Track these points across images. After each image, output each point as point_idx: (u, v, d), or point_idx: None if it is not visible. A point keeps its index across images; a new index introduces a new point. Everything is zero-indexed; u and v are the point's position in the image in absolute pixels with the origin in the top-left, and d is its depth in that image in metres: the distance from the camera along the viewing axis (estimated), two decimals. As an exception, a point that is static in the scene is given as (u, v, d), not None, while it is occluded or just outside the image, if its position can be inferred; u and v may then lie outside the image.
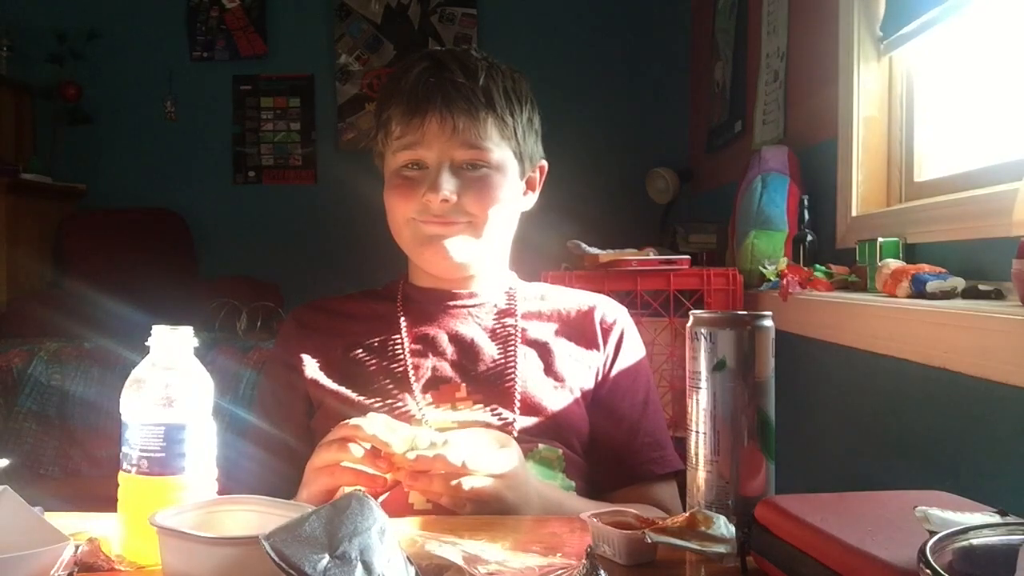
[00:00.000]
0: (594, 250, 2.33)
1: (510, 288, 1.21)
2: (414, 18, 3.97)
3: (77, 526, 0.78)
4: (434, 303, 1.17)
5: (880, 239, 1.58)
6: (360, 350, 1.14)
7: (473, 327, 1.15)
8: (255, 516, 0.70)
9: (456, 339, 1.14)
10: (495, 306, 1.18)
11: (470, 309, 1.17)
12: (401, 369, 1.11)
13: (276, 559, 0.56)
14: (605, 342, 1.17)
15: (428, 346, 1.13)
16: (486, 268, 1.18)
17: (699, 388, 0.81)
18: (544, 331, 1.16)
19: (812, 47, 2.19)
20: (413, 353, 1.12)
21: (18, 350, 2.88)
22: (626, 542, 0.76)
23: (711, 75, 3.30)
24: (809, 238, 2.02)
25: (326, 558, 0.57)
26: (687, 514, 0.76)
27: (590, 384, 1.15)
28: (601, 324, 1.18)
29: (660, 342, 2.09)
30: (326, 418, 1.07)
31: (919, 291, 1.31)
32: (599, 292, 1.25)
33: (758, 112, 2.61)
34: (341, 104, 3.98)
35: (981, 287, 1.24)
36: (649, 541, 0.73)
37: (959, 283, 1.28)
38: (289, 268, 3.63)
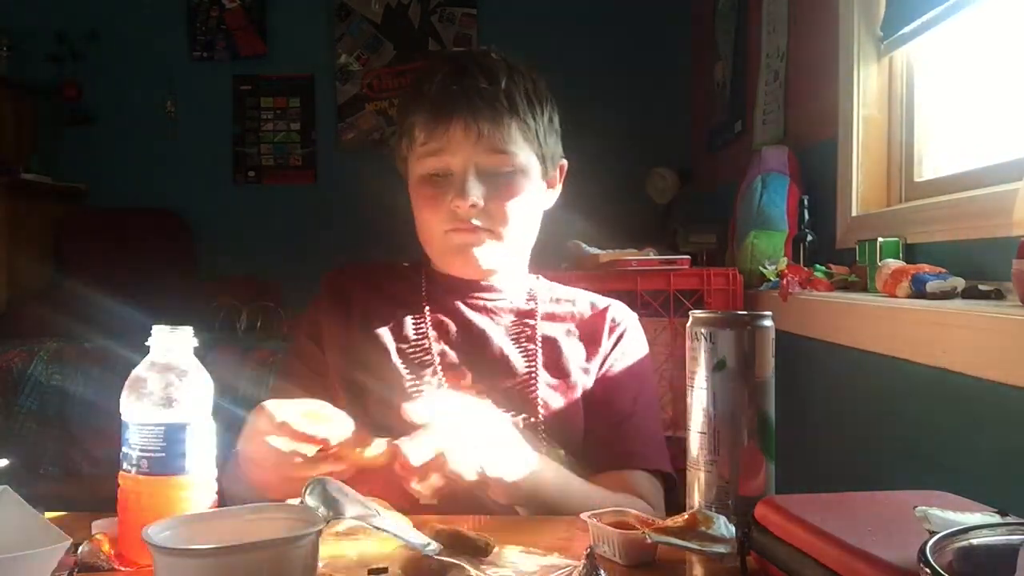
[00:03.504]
0: (594, 250, 2.33)
1: (531, 289, 1.23)
2: (414, 18, 3.97)
3: (77, 526, 0.78)
4: (456, 294, 1.19)
5: (880, 239, 1.58)
6: (383, 326, 1.16)
7: (489, 322, 1.17)
8: (244, 524, 0.70)
9: (469, 330, 1.16)
10: (514, 304, 1.20)
11: (488, 303, 1.19)
12: (418, 351, 1.14)
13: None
14: (608, 340, 1.20)
15: (442, 332, 1.16)
16: (509, 267, 1.20)
17: (699, 388, 0.81)
18: (558, 331, 1.19)
19: (812, 47, 2.18)
20: (430, 337, 1.15)
21: (18, 350, 2.89)
22: (626, 542, 0.76)
23: (711, 75, 3.30)
24: (809, 238, 2.02)
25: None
26: (687, 514, 0.76)
27: (590, 383, 1.17)
28: (609, 324, 1.21)
29: (660, 342, 2.09)
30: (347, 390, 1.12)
31: (919, 291, 1.31)
32: (599, 292, 1.27)
33: (758, 112, 2.60)
34: (341, 104, 3.98)
35: (981, 287, 1.24)
36: (649, 541, 0.73)
37: (959, 283, 1.28)
38: (289, 268, 3.63)
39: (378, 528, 0.75)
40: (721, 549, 0.72)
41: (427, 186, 1.12)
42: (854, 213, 1.87)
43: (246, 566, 0.61)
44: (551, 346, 1.17)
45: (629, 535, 0.75)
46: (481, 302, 1.19)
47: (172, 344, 0.78)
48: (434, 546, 0.75)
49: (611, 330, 1.20)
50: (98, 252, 3.61)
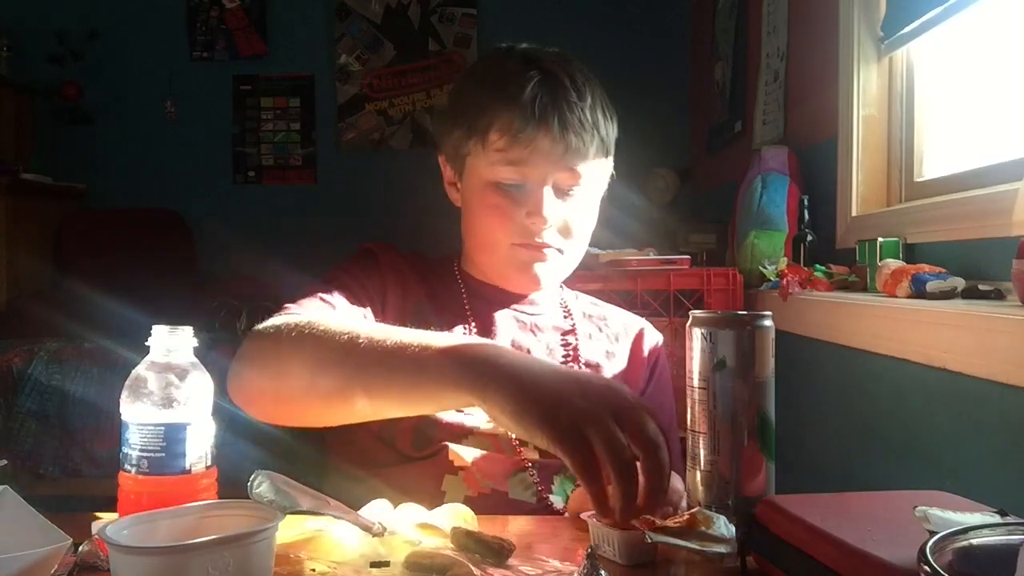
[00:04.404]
0: (594, 250, 2.33)
1: (563, 300, 1.20)
2: (414, 18, 3.97)
3: (77, 526, 0.78)
4: (498, 304, 1.14)
5: (880, 239, 1.58)
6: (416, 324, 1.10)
7: (532, 339, 1.13)
8: (203, 521, 0.70)
9: (514, 347, 1.10)
10: (554, 320, 1.16)
11: (532, 318, 1.15)
12: None
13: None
14: (645, 369, 1.18)
15: None
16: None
17: (699, 388, 0.81)
18: (598, 354, 1.16)
19: (812, 47, 2.18)
20: None
21: (18, 350, 2.88)
22: (626, 542, 0.76)
23: (711, 75, 3.30)
24: (809, 238, 2.02)
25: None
26: (687, 514, 0.76)
27: None
28: (647, 354, 1.19)
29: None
30: None
31: (919, 291, 1.31)
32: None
33: (758, 112, 2.60)
34: (341, 104, 3.98)
35: (981, 287, 1.24)
36: (649, 541, 0.73)
37: (959, 283, 1.28)
38: (289, 268, 3.62)
39: (332, 516, 0.76)
40: (721, 549, 0.72)
41: (496, 194, 1.07)
42: (854, 213, 1.86)
43: (204, 563, 0.61)
44: (592, 367, 1.13)
45: (629, 535, 0.75)
46: (525, 317, 1.14)
47: (172, 344, 0.78)
48: (379, 527, 0.76)
49: (649, 359, 1.18)
50: (98, 252, 3.61)
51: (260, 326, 0.93)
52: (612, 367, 1.15)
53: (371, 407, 0.85)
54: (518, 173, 1.05)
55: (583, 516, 0.80)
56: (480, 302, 1.13)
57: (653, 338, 1.21)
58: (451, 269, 1.17)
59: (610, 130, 1.10)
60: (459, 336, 1.03)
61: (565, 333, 1.16)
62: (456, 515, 0.83)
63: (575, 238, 1.10)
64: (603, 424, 0.67)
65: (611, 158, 1.14)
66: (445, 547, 0.78)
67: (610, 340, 1.18)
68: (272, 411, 0.93)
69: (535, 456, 1.04)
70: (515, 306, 1.14)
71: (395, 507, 0.84)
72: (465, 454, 1.02)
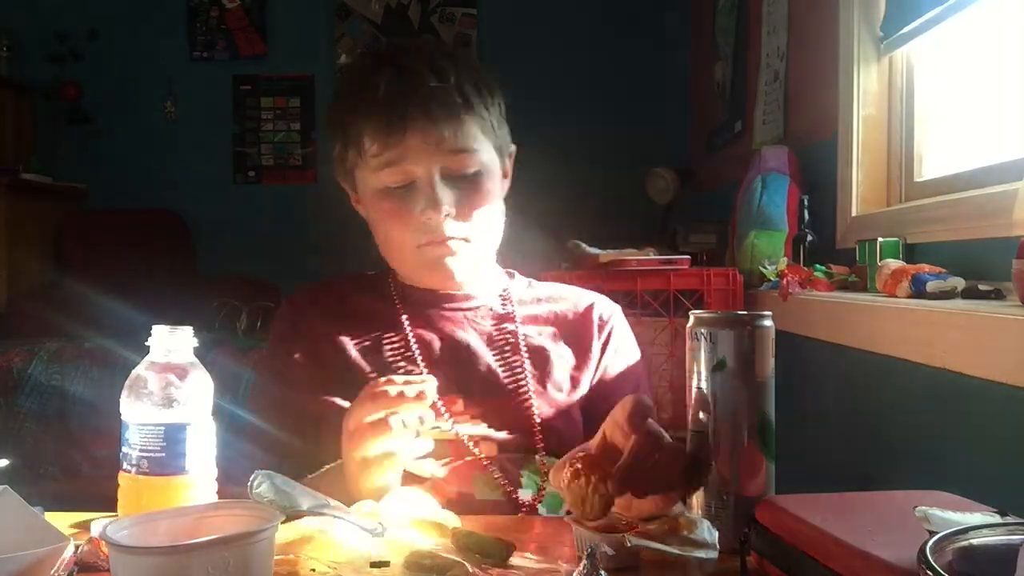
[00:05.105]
0: (594, 250, 2.33)
1: (504, 289, 1.17)
2: (414, 18, 3.97)
3: (77, 526, 0.78)
4: (431, 305, 1.12)
5: (880, 239, 1.58)
6: (359, 353, 1.08)
7: (471, 334, 1.11)
8: (202, 521, 0.70)
9: (453, 347, 1.09)
10: (491, 309, 1.14)
11: (466, 313, 1.12)
12: (403, 373, 1.05)
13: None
14: (598, 341, 1.14)
15: (425, 353, 1.08)
16: (482, 270, 1.15)
17: (699, 388, 0.81)
18: (543, 337, 1.13)
19: (812, 47, 2.19)
20: (416, 357, 1.08)
21: (18, 350, 2.88)
22: (608, 545, 0.73)
23: (711, 75, 3.30)
24: (809, 238, 2.02)
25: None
26: (671, 517, 0.75)
27: (585, 390, 1.12)
28: (597, 324, 1.15)
29: (660, 342, 2.09)
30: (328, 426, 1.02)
31: (919, 291, 1.31)
32: (599, 292, 1.22)
33: (758, 112, 2.61)
34: (341, 104, 3.97)
35: (981, 287, 1.24)
36: (629, 545, 0.71)
37: (959, 283, 1.28)
38: (289, 268, 3.63)
39: (332, 516, 0.76)
40: (702, 555, 0.70)
41: (387, 199, 1.05)
42: (854, 213, 1.87)
43: (204, 563, 0.61)
44: (538, 356, 1.10)
45: (611, 538, 0.74)
46: (458, 313, 1.12)
47: (172, 344, 0.78)
48: (380, 529, 0.75)
49: (600, 329, 1.15)
50: (98, 252, 3.61)
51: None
52: (558, 348, 1.12)
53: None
54: (401, 173, 1.03)
55: (566, 519, 0.79)
56: (413, 307, 1.12)
57: (603, 308, 1.17)
58: (386, 281, 1.16)
59: (488, 103, 1.07)
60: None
61: (502, 320, 1.13)
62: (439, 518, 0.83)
63: (481, 221, 1.06)
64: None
65: (504, 130, 1.10)
66: (445, 547, 0.78)
67: (557, 321, 1.15)
68: None
69: (494, 454, 1.03)
70: (447, 304, 1.12)
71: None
72: (423, 469, 1.00)
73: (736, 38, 2.96)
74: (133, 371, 0.78)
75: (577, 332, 1.14)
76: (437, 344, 1.09)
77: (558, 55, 3.80)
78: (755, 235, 2.08)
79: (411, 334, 1.09)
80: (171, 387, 0.76)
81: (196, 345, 0.79)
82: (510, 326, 1.12)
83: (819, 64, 2.09)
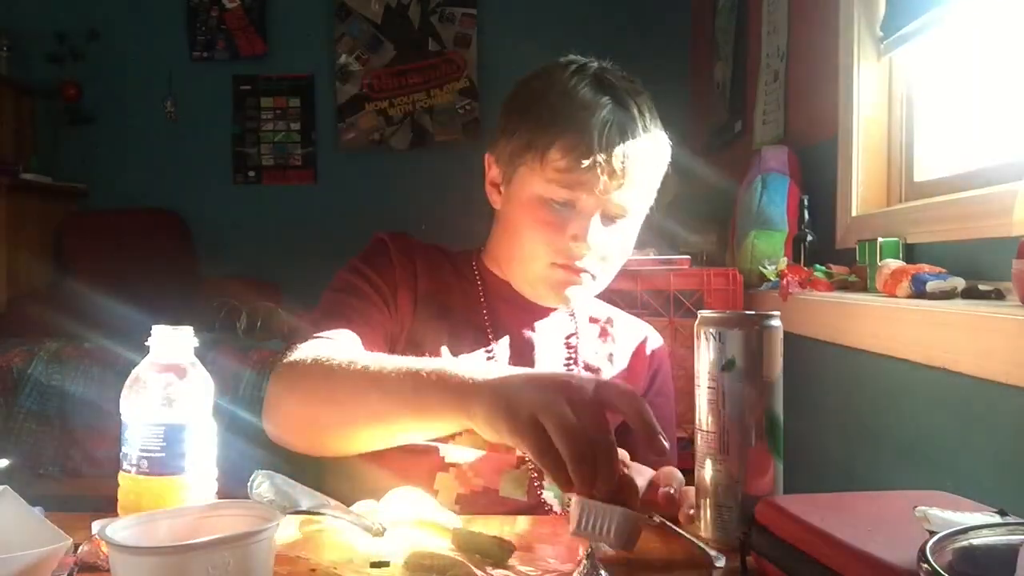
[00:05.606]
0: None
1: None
2: (414, 18, 3.97)
3: (77, 526, 0.78)
4: (511, 302, 1.14)
5: (880, 239, 1.57)
6: (438, 309, 1.09)
7: (538, 336, 1.13)
8: (203, 521, 0.70)
9: (519, 343, 1.12)
10: (559, 323, 1.16)
11: (539, 318, 1.15)
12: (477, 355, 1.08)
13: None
14: (646, 378, 1.18)
15: (494, 337, 1.11)
16: None
17: (708, 388, 0.81)
18: (599, 357, 1.16)
19: (812, 47, 2.19)
20: (480, 341, 1.10)
21: (18, 350, 2.89)
22: (624, 518, 0.73)
23: (711, 75, 3.30)
24: (809, 238, 2.02)
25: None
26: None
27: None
28: (648, 361, 1.19)
29: (660, 342, 2.08)
30: None
31: (919, 291, 1.31)
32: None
33: (758, 112, 2.61)
34: (341, 104, 3.98)
35: (981, 287, 1.24)
36: (656, 522, 0.72)
37: (959, 283, 1.28)
38: (289, 268, 3.63)
39: (332, 516, 0.76)
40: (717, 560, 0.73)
41: (544, 209, 1.05)
42: (854, 213, 1.87)
43: (204, 563, 0.61)
44: (593, 372, 1.14)
45: (630, 513, 0.74)
46: (532, 315, 1.14)
47: (172, 344, 0.78)
48: (381, 528, 0.76)
49: (649, 365, 1.19)
50: (98, 252, 3.61)
51: (292, 358, 0.95)
52: (612, 370, 1.16)
53: (391, 438, 0.93)
54: (572, 196, 1.03)
55: (573, 498, 0.77)
56: (496, 298, 1.14)
57: (656, 343, 1.22)
58: (470, 263, 1.17)
59: (663, 164, 1.10)
60: (447, 362, 0.98)
61: (569, 336, 1.16)
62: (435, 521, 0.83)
63: (610, 265, 1.10)
64: (554, 410, 0.71)
65: (655, 192, 1.13)
66: (445, 547, 0.78)
67: (612, 344, 1.18)
68: (312, 441, 0.97)
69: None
70: (523, 303, 1.14)
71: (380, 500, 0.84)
72: (457, 454, 1.02)
73: (736, 38, 2.96)
74: (133, 371, 0.78)
75: (630, 362, 1.18)
76: (505, 336, 1.12)
77: (558, 55, 3.79)
78: (755, 235, 2.08)
79: (486, 316, 1.11)
80: (171, 387, 0.76)
81: (196, 345, 0.79)
82: (573, 340, 1.16)
83: (819, 64, 2.09)
